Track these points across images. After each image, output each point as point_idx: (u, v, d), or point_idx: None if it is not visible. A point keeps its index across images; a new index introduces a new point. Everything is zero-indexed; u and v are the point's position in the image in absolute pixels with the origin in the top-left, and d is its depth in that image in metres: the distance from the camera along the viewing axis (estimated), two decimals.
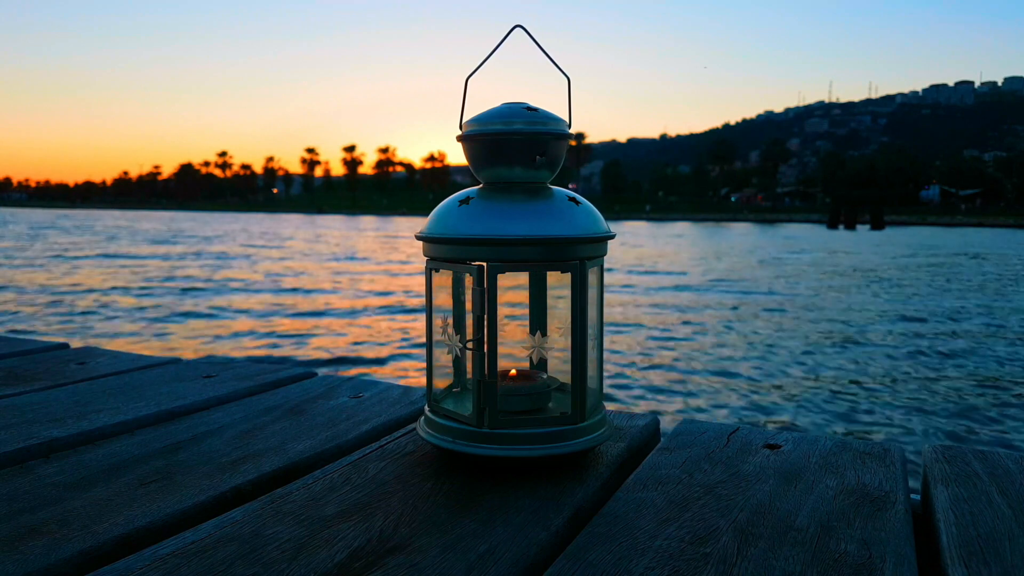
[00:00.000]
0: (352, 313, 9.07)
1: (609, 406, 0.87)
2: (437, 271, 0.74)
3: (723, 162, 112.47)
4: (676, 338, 7.50)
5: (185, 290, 11.12)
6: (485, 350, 0.68)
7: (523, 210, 0.70)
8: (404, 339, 7.39)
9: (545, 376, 0.79)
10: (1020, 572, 0.53)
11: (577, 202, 0.72)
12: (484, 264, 0.68)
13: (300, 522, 0.60)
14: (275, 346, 6.94)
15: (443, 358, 0.78)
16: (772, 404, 5.02)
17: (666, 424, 0.90)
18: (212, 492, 0.66)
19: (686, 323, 8.53)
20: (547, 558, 0.56)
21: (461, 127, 0.74)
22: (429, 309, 0.75)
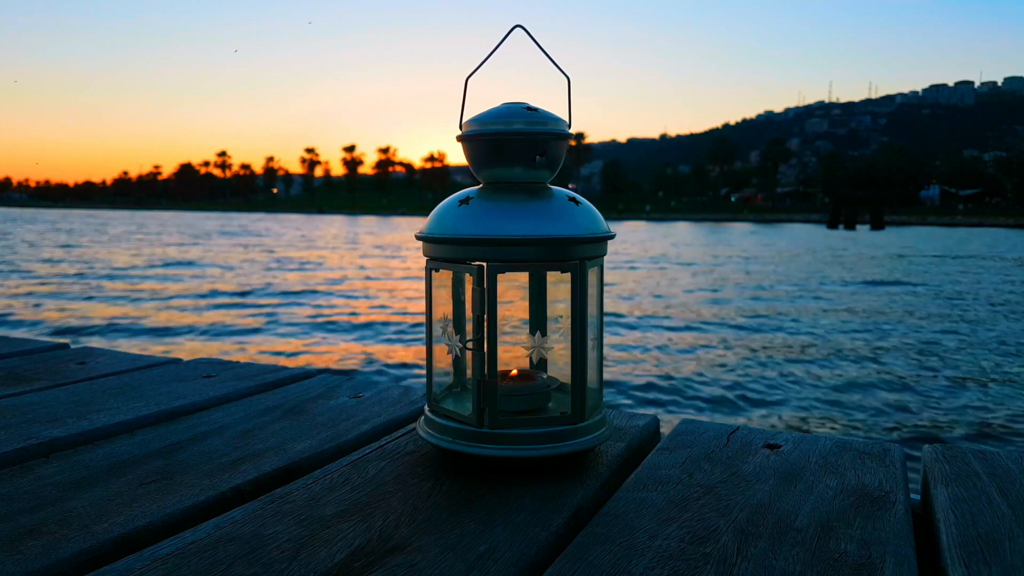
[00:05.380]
0: None
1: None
2: (437, 271, 0.74)
3: (723, 162, 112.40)
4: None
5: None
6: (485, 350, 0.68)
7: (523, 210, 0.70)
8: None
9: (545, 376, 0.79)
10: (1020, 572, 0.53)
11: (577, 202, 0.72)
12: (484, 264, 0.68)
13: (300, 522, 0.60)
14: None
15: (443, 358, 0.78)
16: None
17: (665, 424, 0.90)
18: (212, 492, 0.66)
19: None
20: (547, 558, 0.56)
21: (461, 127, 0.74)
22: (429, 309, 0.75)
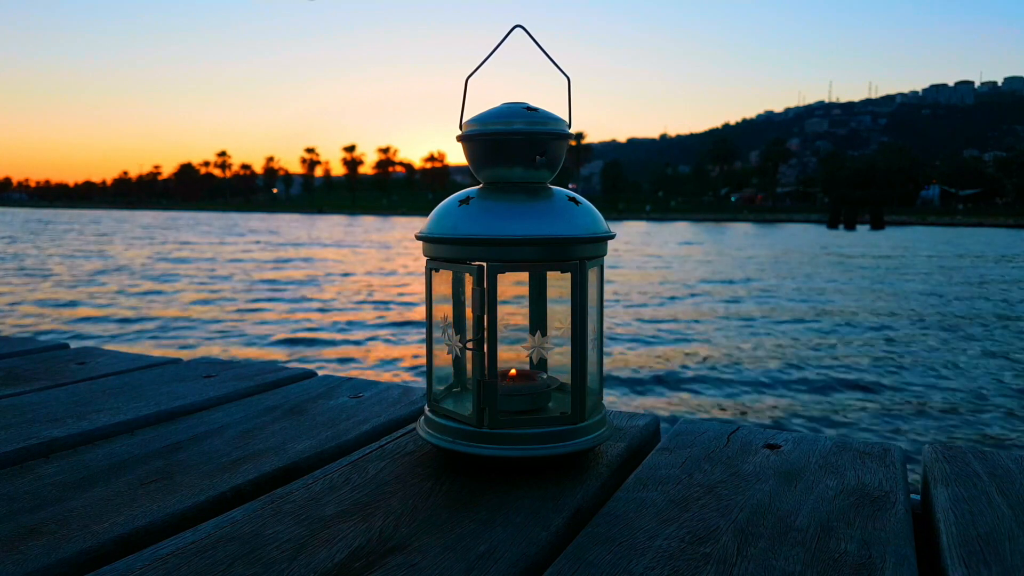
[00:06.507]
0: None
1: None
2: (437, 271, 0.74)
3: (723, 162, 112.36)
4: None
5: None
6: (485, 350, 0.68)
7: (523, 210, 0.70)
8: None
9: (545, 376, 0.79)
10: (1020, 572, 0.53)
11: (577, 202, 0.72)
12: (484, 264, 0.68)
13: (300, 522, 0.60)
14: None
15: (443, 358, 0.78)
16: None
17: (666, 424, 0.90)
18: (212, 492, 0.66)
19: None
20: (547, 558, 0.56)
21: (461, 127, 0.74)
22: (429, 309, 0.75)
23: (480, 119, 0.72)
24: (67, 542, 0.56)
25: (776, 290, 12.03)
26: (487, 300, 0.68)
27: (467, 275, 0.69)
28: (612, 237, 0.73)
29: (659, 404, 5.03)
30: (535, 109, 0.72)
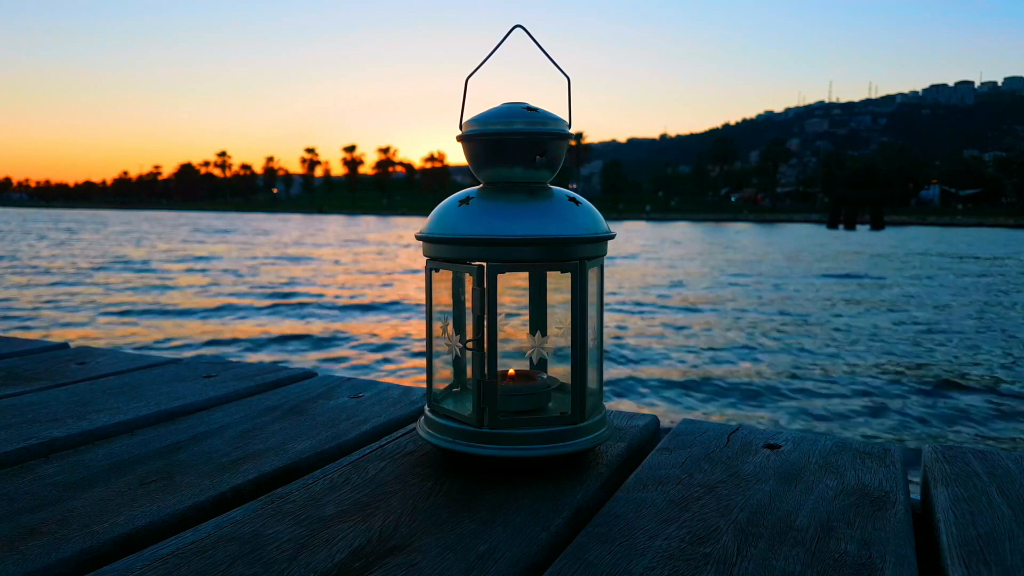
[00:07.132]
0: None
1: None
2: (437, 271, 0.74)
3: (723, 162, 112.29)
4: None
5: None
6: (485, 350, 0.68)
7: (523, 210, 0.70)
8: None
9: (545, 376, 0.79)
10: (1020, 572, 0.53)
11: (577, 202, 0.72)
12: (484, 264, 0.68)
13: (300, 522, 0.60)
14: None
15: (443, 358, 0.78)
16: None
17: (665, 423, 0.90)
18: (212, 492, 0.66)
19: None
20: (547, 558, 0.56)
21: (461, 127, 0.74)
22: (429, 309, 0.75)
23: (480, 119, 0.72)
24: (67, 542, 0.56)
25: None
26: (487, 300, 0.68)
27: (467, 275, 0.69)
28: (612, 237, 0.73)
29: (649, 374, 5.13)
30: (535, 109, 0.72)
